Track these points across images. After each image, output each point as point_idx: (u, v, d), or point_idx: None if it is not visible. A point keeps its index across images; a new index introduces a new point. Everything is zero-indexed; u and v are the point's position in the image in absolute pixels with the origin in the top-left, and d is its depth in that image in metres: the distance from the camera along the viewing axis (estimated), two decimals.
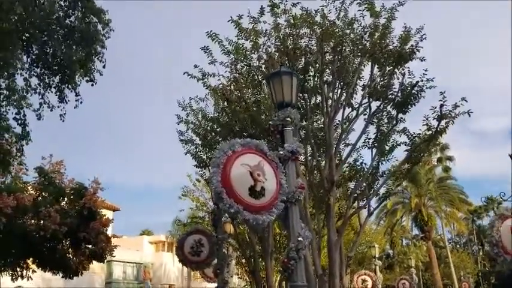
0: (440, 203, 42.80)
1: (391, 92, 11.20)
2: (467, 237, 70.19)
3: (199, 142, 14.76)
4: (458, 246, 70.14)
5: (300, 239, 6.42)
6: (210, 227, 17.26)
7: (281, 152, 6.81)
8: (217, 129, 13.57)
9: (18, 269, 16.66)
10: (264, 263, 17.23)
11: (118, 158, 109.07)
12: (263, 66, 11.15)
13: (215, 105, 13.90)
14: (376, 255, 23.06)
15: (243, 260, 24.32)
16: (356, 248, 13.13)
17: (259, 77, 11.22)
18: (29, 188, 16.99)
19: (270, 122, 7.24)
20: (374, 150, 11.72)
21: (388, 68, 11.31)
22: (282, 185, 6.66)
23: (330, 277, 10.08)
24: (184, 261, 13.36)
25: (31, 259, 16.78)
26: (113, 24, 9.84)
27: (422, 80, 10.95)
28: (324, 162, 11.31)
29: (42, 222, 15.54)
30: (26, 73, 9.56)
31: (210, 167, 6.15)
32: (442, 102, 10.29)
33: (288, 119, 6.94)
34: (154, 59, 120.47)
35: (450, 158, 49.74)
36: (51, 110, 9.84)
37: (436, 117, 10.47)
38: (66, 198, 17.24)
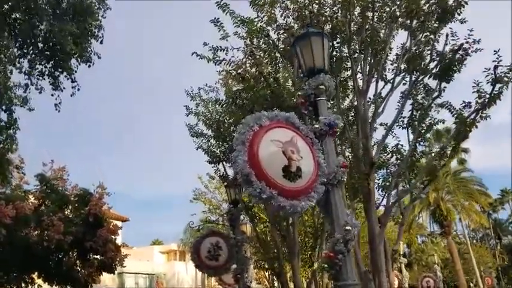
0: (459, 196, 41.30)
1: (432, 58, 9.93)
2: (484, 232, 68.51)
3: (212, 134, 13.69)
4: (474, 241, 68.53)
5: (347, 227, 5.22)
6: (225, 230, 16.16)
7: (316, 126, 5.61)
8: (231, 120, 12.45)
9: (22, 284, 15.62)
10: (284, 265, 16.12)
11: (125, 167, 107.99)
12: (281, 38, 9.98)
13: (226, 94, 12.81)
14: (401, 252, 21.92)
15: (262, 263, 23.18)
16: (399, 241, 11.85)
17: (278, 52, 10.03)
18: (30, 196, 16.06)
19: (299, 93, 6.06)
20: (410, 130, 10.47)
21: (424, 34, 10.07)
22: (320, 164, 5.45)
23: (375, 273, 8.86)
24: (201, 266, 12.13)
25: (36, 273, 15.82)
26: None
27: (467, 42, 9.76)
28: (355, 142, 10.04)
29: (45, 232, 14.60)
30: (13, 57, 8.49)
31: (233, 146, 4.93)
32: (496, 63, 9.03)
33: (322, 86, 5.76)
34: (160, 61, 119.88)
35: (466, 150, 48.14)
36: (40, 92, 8.81)
37: (490, 80, 9.19)
38: (70, 206, 16.37)
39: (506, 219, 72.82)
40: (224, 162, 14.12)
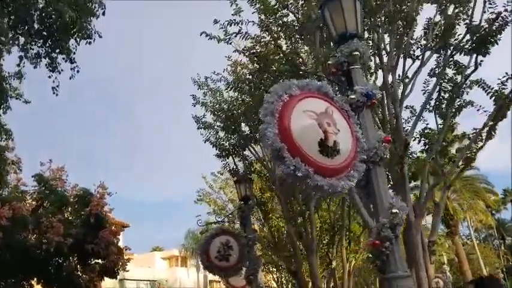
0: (466, 194, 40.52)
1: (467, 30, 9.19)
2: (487, 232, 67.89)
3: (220, 125, 13.00)
4: (478, 241, 67.79)
5: (394, 210, 4.50)
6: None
7: (352, 97, 4.89)
8: (240, 110, 11.79)
9: None
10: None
11: (124, 173, 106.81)
12: (299, 13, 9.27)
13: (235, 81, 12.11)
14: None
15: (269, 266, 22.42)
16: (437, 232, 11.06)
17: (297, 23, 9.31)
18: (28, 197, 15.40)
19: (329, 62, 5.36)
20: (437, 113, 9.74)
21: (454, 6, 9.37)
22: (358, 139, 4.74)
23: (412, 267, 8.08)
24: (211, 267, 11.41)
25: (35, 279, 15.07)
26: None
27: (506, 10, 9.04)
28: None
29: (44, 235, 13.89)
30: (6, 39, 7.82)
31: (261, 118, 4.21)
32: None
33: (356, 53, 5.05)
34: (160, 61, 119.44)
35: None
36: (35, 67, 8.11)
37: None
38: (69, 207, 15.69)
39: (510, 219, 72.24)
40: (233, 156, 13.50)
